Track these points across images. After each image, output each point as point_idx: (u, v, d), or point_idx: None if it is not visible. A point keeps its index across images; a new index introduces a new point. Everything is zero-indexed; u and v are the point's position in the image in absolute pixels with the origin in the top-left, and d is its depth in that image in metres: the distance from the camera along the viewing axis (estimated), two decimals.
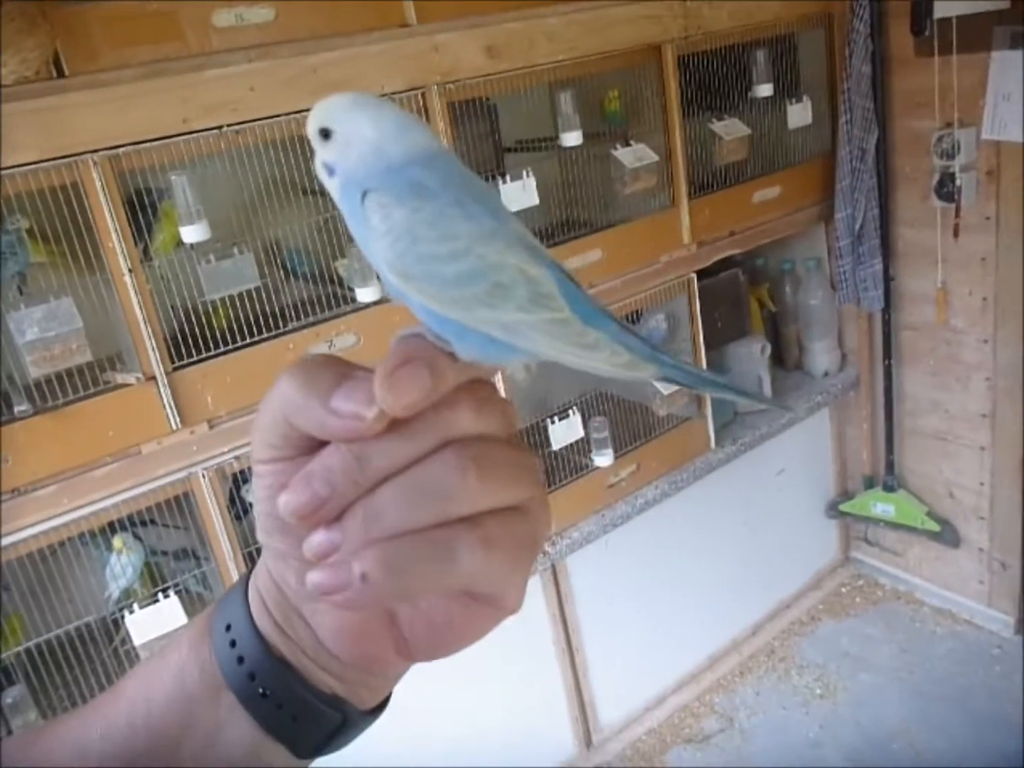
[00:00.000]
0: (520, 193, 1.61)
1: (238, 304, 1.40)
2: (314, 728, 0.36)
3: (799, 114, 2.06)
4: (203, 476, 1.40)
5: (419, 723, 1.63)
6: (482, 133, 1.68)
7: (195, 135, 1.30)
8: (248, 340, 1.41)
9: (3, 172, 1.16)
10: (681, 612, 2.26)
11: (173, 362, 1.35)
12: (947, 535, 2.33)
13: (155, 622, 1.35)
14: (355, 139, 0.35)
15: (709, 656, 2.38)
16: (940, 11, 1.86)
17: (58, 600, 1.41)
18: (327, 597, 0.30)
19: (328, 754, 0.37)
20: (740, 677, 2.37)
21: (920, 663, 2.31)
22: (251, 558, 1.48)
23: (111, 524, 1.38)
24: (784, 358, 2.48)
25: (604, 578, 2.08)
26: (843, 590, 2.62)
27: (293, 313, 1.47)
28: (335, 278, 1.54)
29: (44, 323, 1.21)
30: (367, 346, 1.51)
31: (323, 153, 0.36)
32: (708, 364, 2.08)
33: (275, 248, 1.55)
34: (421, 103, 1.50)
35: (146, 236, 1.34)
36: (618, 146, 1.77)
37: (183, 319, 1.43)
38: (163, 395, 1.34)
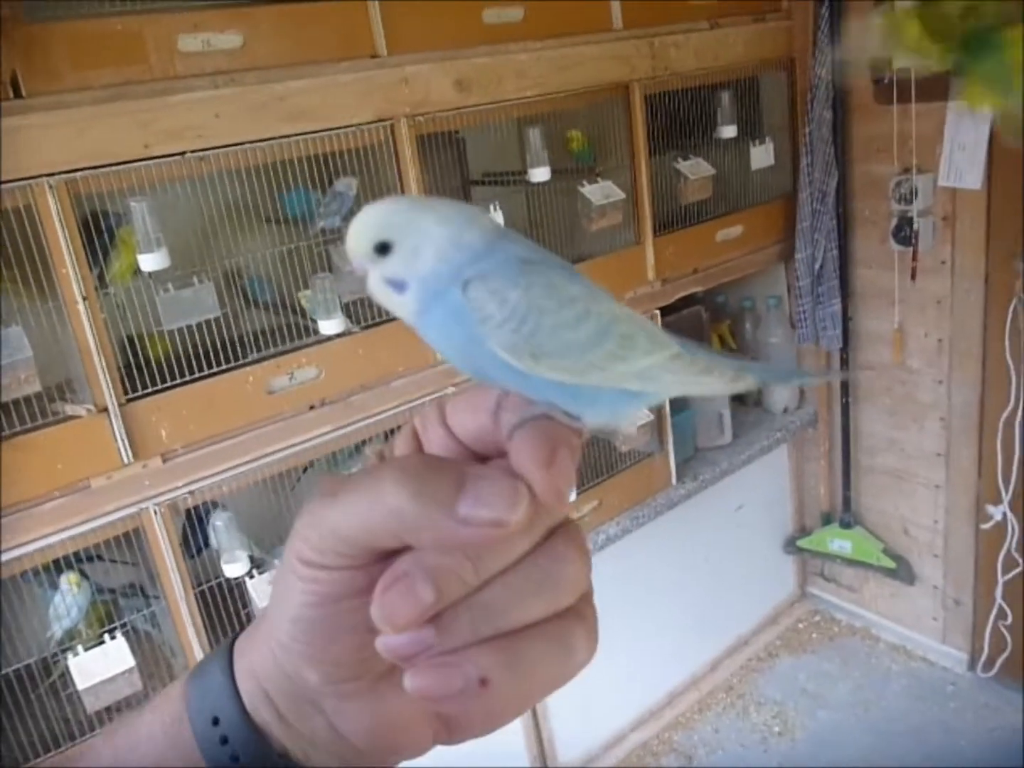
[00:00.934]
0: None
1: (196, 334, 1.36)
2: None
3: (762, 155, 2.09)
4: (155, 512, 1.35)
5: None
6: (450, 166, 1.67)
7: (156, 161, 1.27)
8: (206, 371, 1.37)
9: None
10: (641, 649, 2.24)
11: (127, 393, 1.30)
12: (902, 572, 2.36)
13: (100, 665, 1.29)
14: (425, 242, 0.32)
15: (668, 693, 2.36)
16: (900, 59, 1.90)
17: None
18: (434, 703, 0.28)
19: None
20: (699, 714, 2.36)
21: (876, 700, 2.32)
22: (203, 597, 1.43)
23: (56, 561, 1.32)
24: (744, 395, 2.50)
25: None
26: (800, 626, 2.63)
27: (253, 344, 1.43)
28: (298, 308, 1.51)
29: None
30: (329, 380, 1.48)
31: (385, 269, 0.33)
32: (669, 399, 2.08)
33: (236, 276, 1.52)
34: (389, 135, 1.48)
35: (102, 263, 1.30)
36: (585, 183, 1.77)
37: (138, 349, 1.38)
38: (115, 427, 1.29)
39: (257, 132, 1.35)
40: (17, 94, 1.16)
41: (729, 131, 2.02)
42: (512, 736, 2.04)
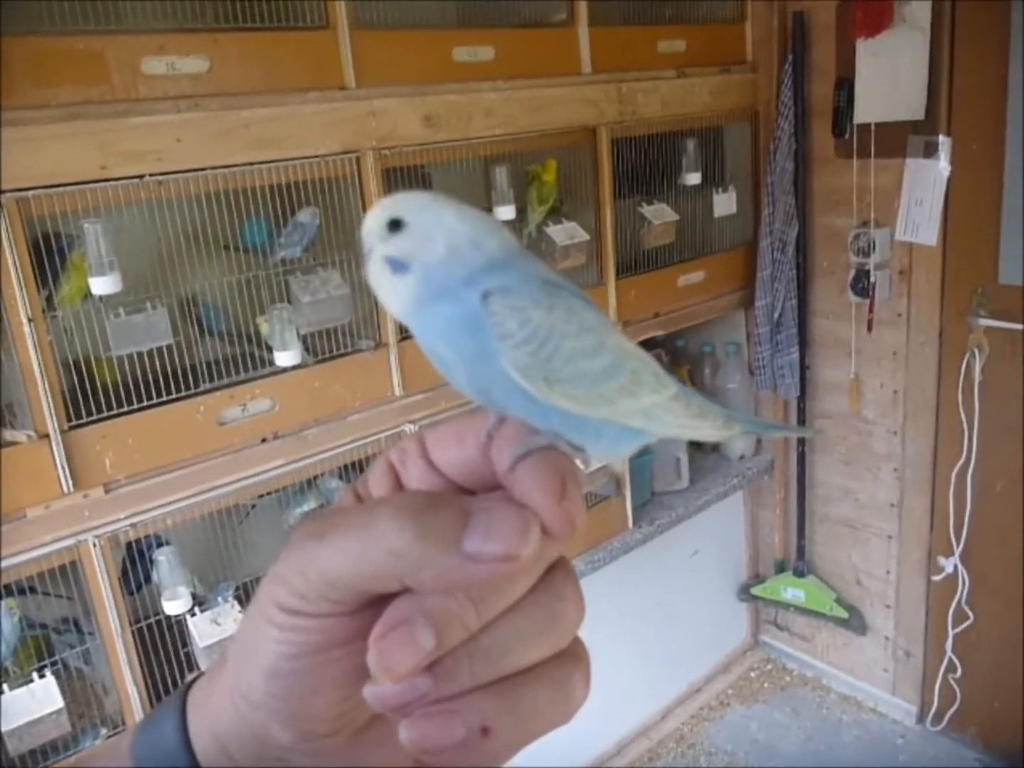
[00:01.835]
0: None
1: (147, 361, 1.32)
2: None
3: (725, 203, 2.12)
4: (94, 544, 1.30)
5: None
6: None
7: (113, 183, 1.24)
8: (155, 400, 1.33)
9: None
10: (592, 697, 2.19)
11: (70, 420, 1.26)
12: (854, 622, 2.36)
13: (26, 705, 1.23)
14: (439, 230, 0.30)
15: (618, 743, 2.32)
16: (860, 117, 1.95)
17: None
18: (431, 756, 0.25)
19: None
20: (649, 763, 2.32)
21: (827, 751, 2.30)
22: (140, 634, 1.37)
23: None
24: (701, 440, 2.50)
25: None
26: (752, 675, 2.61)
27: (206, 373, 1.39)
28: (253, 338, 1.48)
29: None
30: (282, 412, 1.44)
31: (390, 247, 0.31)
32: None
33: (191, 304, 1.48)
34: (355, 167, 1.47)
35: (51, 285, 1.25)
36: (550, 223, 1.77)
37: (84, 374, 1.34)
38: (56, 455, 1.24)
39: (220, 158, 1.32)
40: None
41: (693, 178, 2.04)
42: None
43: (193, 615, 1.40)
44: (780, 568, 2.51)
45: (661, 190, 2.02)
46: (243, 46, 1.34)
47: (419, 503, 0.27)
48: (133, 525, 1.33)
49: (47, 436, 1.23)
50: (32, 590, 1.39)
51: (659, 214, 1.96)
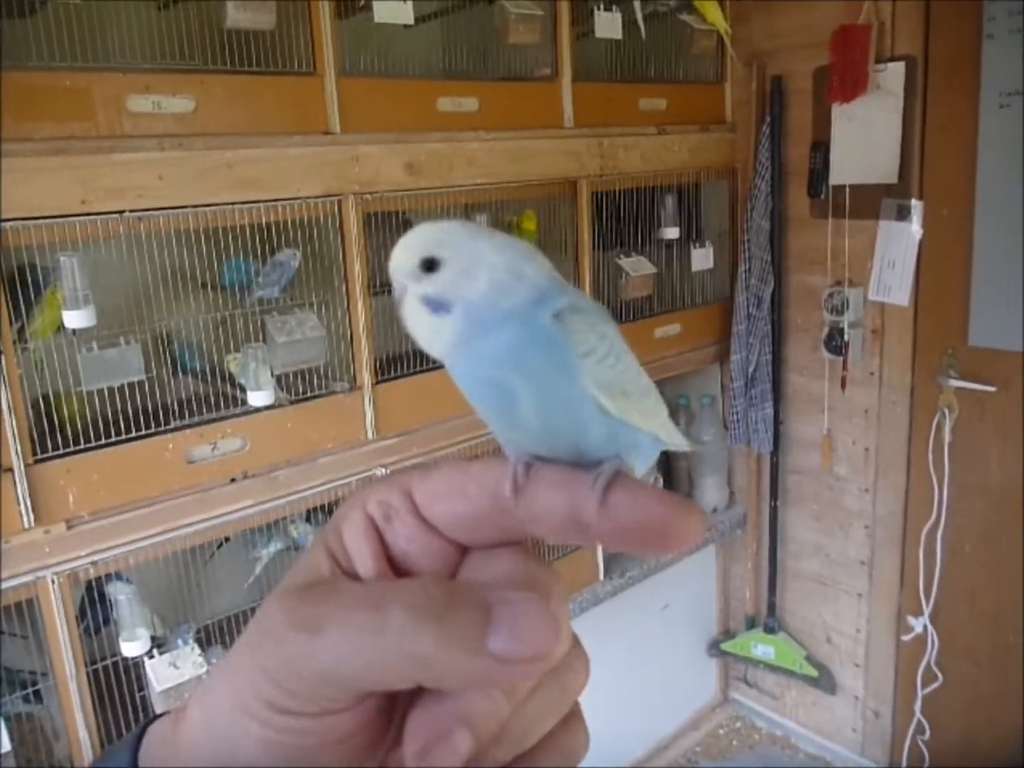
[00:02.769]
0: None
1: (117, 397, 1.31)
2: None
3: (702, 258, 2.15)
4: (52, 581, 1.27)
5: None
6: (395, 245, 1.67)
7: (92, 217, 1.24)
8: (123, 436, 1.31)
9: None
10: None
11: (35, 453, 1.24)
12: (824, 681, 2.34)
13: None
14: (480, 266, 0.30)
15: None
16: (835, 178, 2.00)
17: None
18: None
19: None
20: None
21: None
22: (95, 676, 1.34)
23: None
24: (674, 491, 2.50)
25: None
26: (721, 732, 2.58)
27: (177, 410, 1.38)
28: (227, 377, 1.47)
29: None
30: (253, 452, 1.43)
31: (428, 287, 0.30)
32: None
33: (166, 341, 1.48)
34: (336, 210, 1.48)
35: (24, 317, 1.24)
36: None
37: (52, 408, 1.32)
38: (18, 489, 1.22)
39: (201, 197, 1.33)
40: None
41: (672, 232, 2.07)
42: None
43: (151, 657, 1.36)
44: (751, 624, 2.49)
45: (640, 243, 2.04)
46: (229, 88, 1.35)
47: (434, 600, 0.25)
48: (94, 563, 1.31)
49: (10, 470, 1.21)
50: None
51: (637, 266, 1.98)
